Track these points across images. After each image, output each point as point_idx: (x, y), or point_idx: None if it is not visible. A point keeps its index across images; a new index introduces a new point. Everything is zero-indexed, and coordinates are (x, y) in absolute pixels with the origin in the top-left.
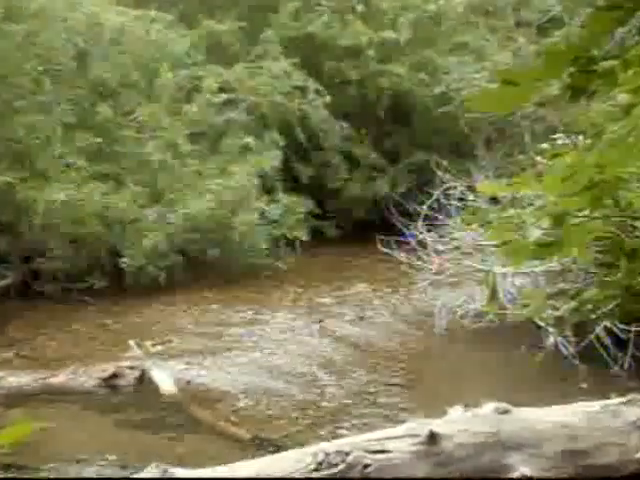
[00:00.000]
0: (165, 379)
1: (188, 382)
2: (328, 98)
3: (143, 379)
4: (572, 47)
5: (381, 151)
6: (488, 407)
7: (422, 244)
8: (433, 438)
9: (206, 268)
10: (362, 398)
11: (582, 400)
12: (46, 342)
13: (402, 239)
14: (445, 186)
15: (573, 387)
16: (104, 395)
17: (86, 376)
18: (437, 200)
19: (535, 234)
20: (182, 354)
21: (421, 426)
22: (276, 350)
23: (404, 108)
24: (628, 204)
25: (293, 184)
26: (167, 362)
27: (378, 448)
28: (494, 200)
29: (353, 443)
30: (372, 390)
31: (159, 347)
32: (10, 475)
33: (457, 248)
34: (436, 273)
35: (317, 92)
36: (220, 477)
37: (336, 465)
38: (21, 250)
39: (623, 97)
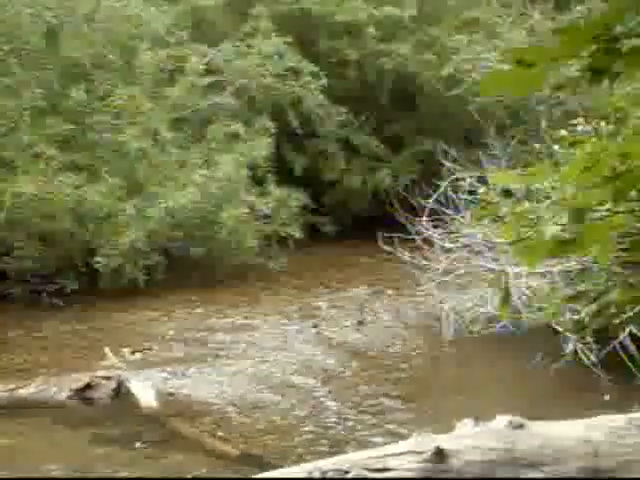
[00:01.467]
0: (144, 390)
1: (170, 394)
2: (324, 81)
3: (120, 391)
4: (593, 24)
5: (383, 139)
6: (501, 421)
7: (428, 242)
8: (440, 455)
9: (190, 268)
10: (362, 411)
11: (605, 413)
12: (14, 349)
13: (406, 236)
14: (453, 177)
15: (595, 399)
16: (77, 408)
17: (57, 387)
18: (444, 193)
19: (552, 230)
20: (163, 363)
21: (426, 442)
22: (267, 358)
23: (408, 91)
24: None
25: (286, 175)
26: (147, 372)
27: (379, 466)
28: (507, 193)
29: (352, 460)
30: (373, 402)
31: (138, 355)
32: (10, 475)
33: (466, 246)
34: (444, 273)
35: (312, 74)
36: None
37: None
38: None
39: None
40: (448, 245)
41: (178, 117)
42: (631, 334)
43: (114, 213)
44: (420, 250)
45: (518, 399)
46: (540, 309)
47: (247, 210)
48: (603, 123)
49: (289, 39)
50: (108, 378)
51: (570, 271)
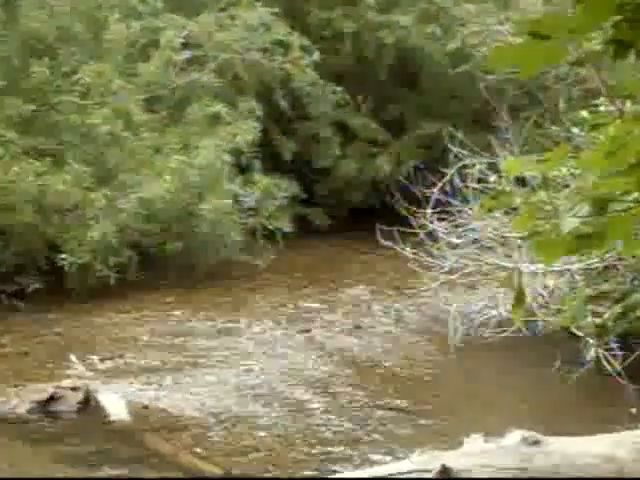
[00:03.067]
0: (115, 403)
1: (144, 406)
2: (316, 56)
3: (88, 402)
4: None
5: (382, 121)
6: (514, 437)
7: (432, 236)
8: (446, 474)
9: (166, 266)
10: (360, 426)
11: (630, 428)
12: None
13: (408, 230)
14: (461, 164)
15: (619, 412)
16: (40, 422)
17: (18, 399)
18: (451, 182)
19: (571, 223)
20: (136, 371)
21: (432, 460)
22: (252, 367)
23: (410, 68)
24: None
25: (273, 162)
26: (118, 381)
27: None
28: (521, 181)
29: None
30: (371, 415)
31: (108, 363)
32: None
33: (475, 241)
34: (450, 271)
35: (303, 48)
36: None
37: None
38: None
39: None
40: (455, 240)
41: (152, 97)
42: None
43: (81, 204)
44: (424, 246)
45: (533, 412)
46: (558, 311)
47: (230, 201)
48: (629, 103)
49: (276, 9)
50: (74, 389)
51: (591, 269)
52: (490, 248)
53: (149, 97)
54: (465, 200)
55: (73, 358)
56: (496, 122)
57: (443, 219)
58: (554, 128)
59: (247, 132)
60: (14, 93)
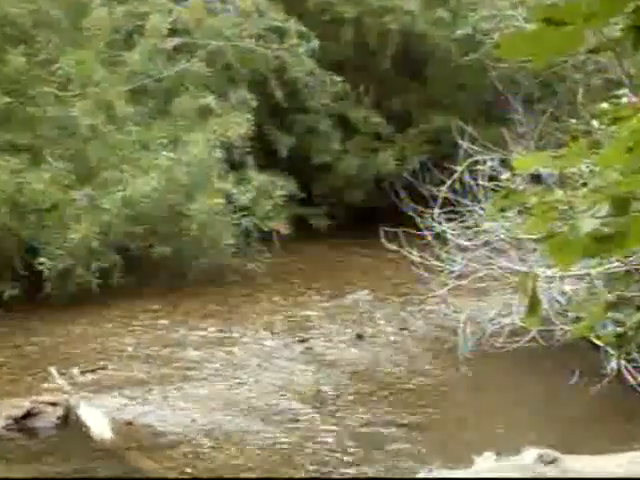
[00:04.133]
0: (97, 419)
1: (128, 422)
2: (315, 43)
3: (68, 418)
4: None
5: (386, 114)
6: (529, 454)
7: (441, 238)
8: None
9: (153, 270)
10: (362, 443)
11: None
12: None
13: (414, 232)
14: (471, 160)
15: None
16: (17, 439)
17: None
18: (460, 179)
19: (590, 224)
20: (120, 385)
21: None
22: (246, 380)
23: (416, 56)
24: None
25: (268, 158)
26: (100, 396)
27: None
28: (536, 179)
29: None
30: (374, 432)
31: (90, 376)
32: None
33: (487, 243)
34: (460, 276)
35: (300, 35)
36: None
37: None
38: None
39: None
40: (465, 242)
41: (138, 88)
42: None
43: (61, 204)
44: (431, 248)
45: (550, 428)
46: (576, 319)
47: (222, 200)
48: None
49: None
50: (54, 404)
51: (612, 273)
52: (502, 251)
53: (134, 88)
54: (476, 199)
55: (52, 370)
56: (509, 115)
57: (452, 220)
58: (572, 121)
59: (240, 125)
60: None
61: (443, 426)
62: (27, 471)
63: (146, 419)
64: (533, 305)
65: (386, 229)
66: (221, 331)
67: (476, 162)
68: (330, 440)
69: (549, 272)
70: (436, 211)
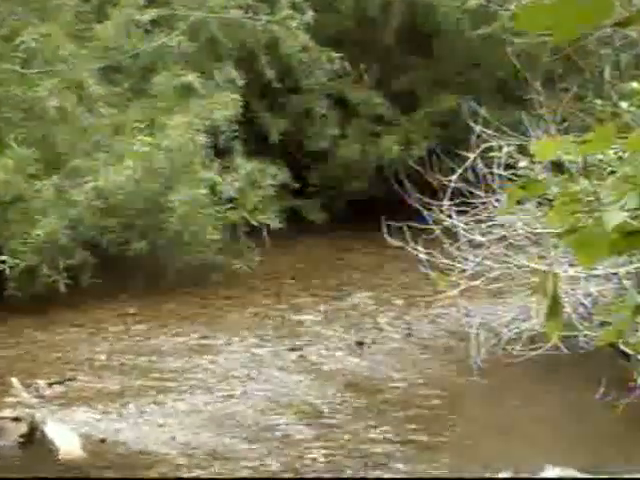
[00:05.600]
0: (66, 436)
1: (101, 440)
2: (310, 15)
3: (33, 435)
4: None
5: (389, 94)
6: (549, 474)
7: (451, 233)
8: None
9: (129, 270)
10: (364, 462)
11: None
12: None
13: (421, 226)
14: (485, 146)
15: None
16: None
17: None
18: (473, 167)
19: (617, 217)
20: (92, 398)
21: None
22: (233, 392)
23: (423, 30)
24: None
25: (258, 144)
26: (69, 410)
27: None
28: (558, 167)
29: None
30: (376, 451)
31: (57, 388)
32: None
33: (503, 239)
34: (472, 276)
35: (293, 6)
36: None
37: None
38: None
39: None
40: (478, 238)
41: (111, 65)
42: None
43: (25, 196)
44: (440, 245)
45: (572, 445)
46: (602, 324)
47: (206, 191)
48: None
49: None
50: (17, 419)
51: None
52: (520, 247)
53: (107, 65)
54: (490, 190)
55: (15, 382)
56: (527, 95)
57: (463, 213)
58: (598, 102)
59: (226, 107)
60: None
61: (454, 444)
62: None
63: (120, 436)
64: (554, 308)
65: (389, 223)
66: (204, 337)
67: (490, 148)
68: (325, 459)
69: (572, 271)
70: (445, 203)
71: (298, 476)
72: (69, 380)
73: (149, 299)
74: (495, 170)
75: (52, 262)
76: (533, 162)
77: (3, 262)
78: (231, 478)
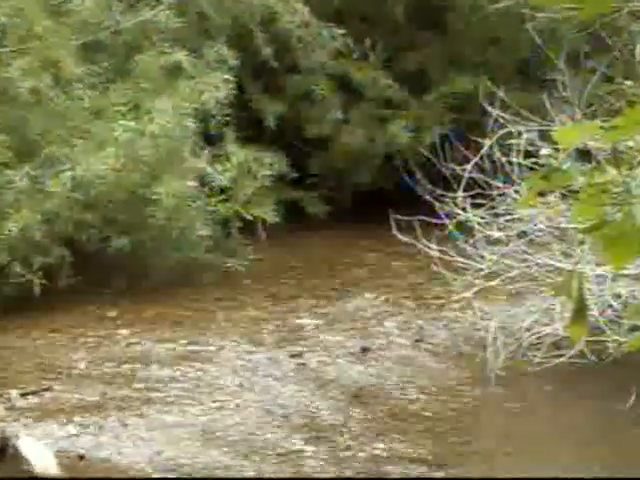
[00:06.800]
0: (40, 451)
1: (80, 456)
2: None
3: (4, 452)
4: None
5: (397, 75)
6: None
7: (465, 228)
8: None
9: (109, 269)
10: None
11: None
12: None
13: (433, 220)
14: (503, 132)
15: None
16: None
17: None
18: (490, 156)
19: None
20: (69, 410)
21: None
22: (225, 403)
23: (436, 2)
24: None
25: (253, 129)
26: (44, 424)
27: None
28: (584, 155)
29: None
30: (384, 468)
31: (31, 399)
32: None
33: (523, 235)
34: (489, 275)
35: None
36: None
37: None
38: None
39: None
40: (496, 234)
41: (90, 42)
42: None
43: None
44: (454, 241)
45: (599, 461)
46: (633, 328)
47: (194, 182)
48: None
49: None
50: None
51: None
52: (542, 244)
53: (86, 42)
54: (509, 180)
55: None
56: (550, 75)
57: (479, 206)
58: (628, 83)
59: (217, 89)
60: None
61: (470, 461)
62: None
63: (101, 452)
64: (579, 311)
65: (398, 217)
66: (193, 343)
67: (509, 134)
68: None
69: (599, 270)
70: (460, 195)
71: (298, 476)
72: (44, 390)
73: (132, 301)
74: (514, 158)
75: (25, 260)
76: (556, 150)
77: None
78: (231, 478)
